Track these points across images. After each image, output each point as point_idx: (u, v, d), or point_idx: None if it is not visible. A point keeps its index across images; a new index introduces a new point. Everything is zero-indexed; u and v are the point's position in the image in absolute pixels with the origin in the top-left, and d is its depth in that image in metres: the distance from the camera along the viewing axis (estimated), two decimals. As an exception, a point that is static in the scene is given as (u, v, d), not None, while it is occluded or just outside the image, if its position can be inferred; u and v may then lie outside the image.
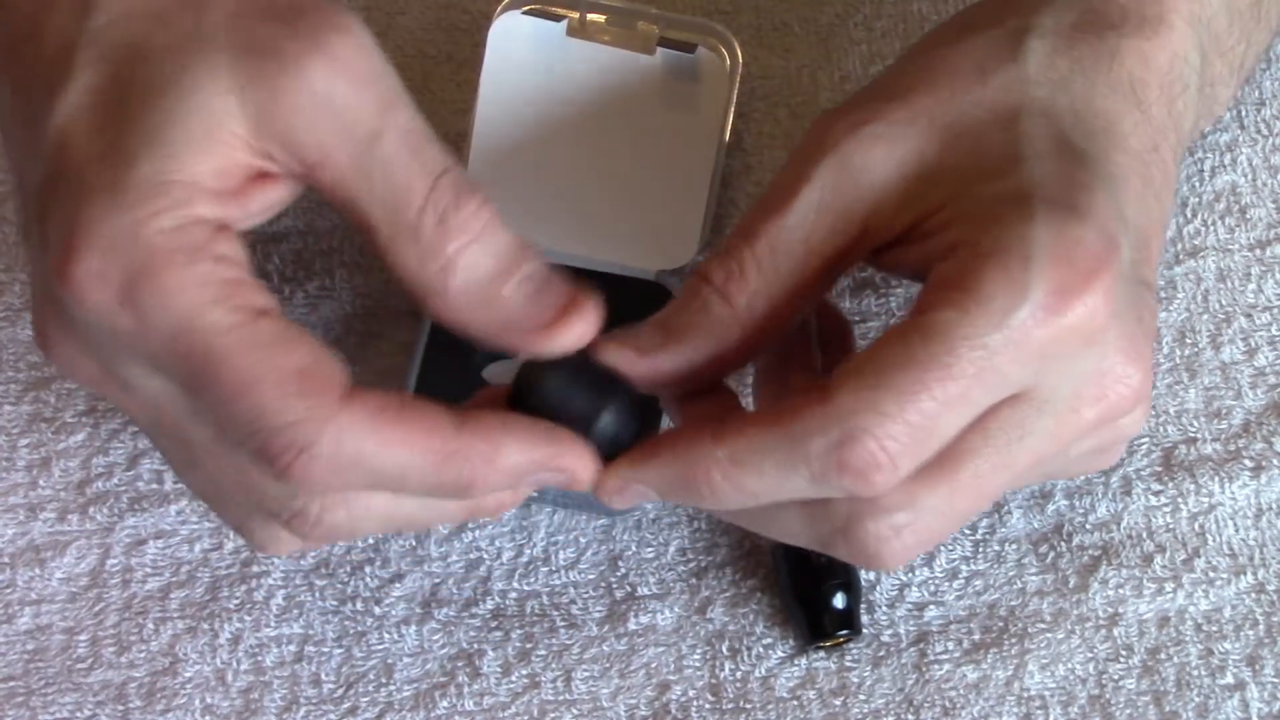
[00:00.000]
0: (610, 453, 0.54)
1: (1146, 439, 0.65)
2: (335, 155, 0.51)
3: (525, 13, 0.66)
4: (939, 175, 0.55)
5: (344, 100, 0.51)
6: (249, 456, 0.50)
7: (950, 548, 0.64)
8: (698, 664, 0.63)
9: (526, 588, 0.64)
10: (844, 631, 0.62)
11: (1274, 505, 0.64)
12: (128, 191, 0.49)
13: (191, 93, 0.50)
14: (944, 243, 0.53)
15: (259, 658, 0.63)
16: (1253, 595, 0.63)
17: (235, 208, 0.51)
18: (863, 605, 0.63)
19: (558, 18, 0.66)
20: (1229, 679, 0.62)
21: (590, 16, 0.66)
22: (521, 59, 0.66)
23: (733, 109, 0.66)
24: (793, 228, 0.55)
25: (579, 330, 0.53)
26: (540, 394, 0.54)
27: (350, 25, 0.51)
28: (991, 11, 0.58)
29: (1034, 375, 0.52)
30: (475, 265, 0.51)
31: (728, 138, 0.66)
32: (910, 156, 0.55)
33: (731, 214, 0.69)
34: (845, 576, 0.62)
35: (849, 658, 0.63)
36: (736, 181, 0.69)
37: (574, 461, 0.53)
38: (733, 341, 0.55)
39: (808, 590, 0.62)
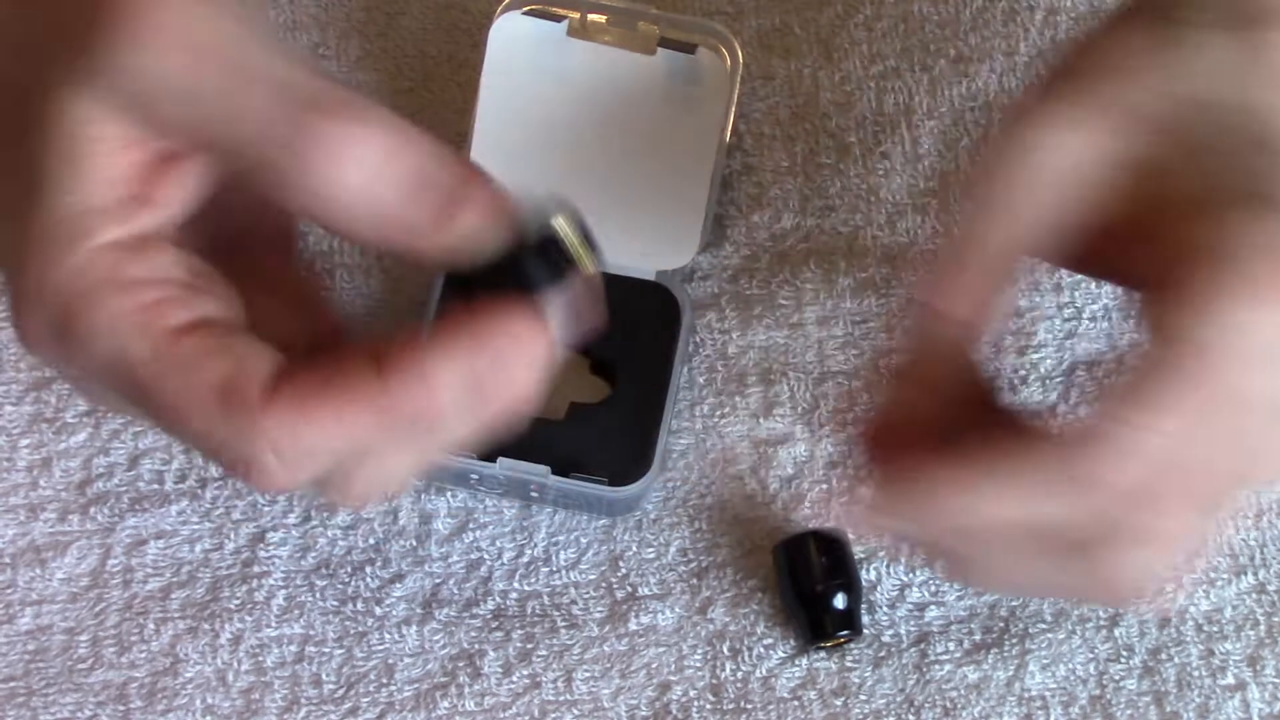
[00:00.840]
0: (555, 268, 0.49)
1: (1147, 439, 0.65)
2: (197, 117, 0.49)
3: (526, 13, 0.66)
4: (1140, 167, 0.52)
5: (177, 65, 0.48)
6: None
7: (951, 548, 0.64)
8: (698, 664, 0.63)
9: (527, 588, 0.64)
10: (845, 632, 0.62)
11: (1274, 505, 0.64)
12: (26, 246, 0.49)
13: (46, 121, 0.49)
14: (1167, 244, 0.51)
15: (260, 658, 0.63)
16: (1253, 595, 0.63)
17: (145, 212, 0.50)
18: (863, 605, 0.63)
19: (558, 18, 0.66)
20: (1230, 679, 0.62)
21: (591, 17, 0.66)
22: (522, 59, 0.66)
23: (733, 109, 0.66)
24: (1003, 233, 0.52)
25: (472, 221, 0.49)
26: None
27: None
28: (1138, 9, 0.55)
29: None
30: (350, 176, 0.48)
31: (728, 138, 0.66)
32: (1109, 146, 0.52)
33: (732, 214, 0.69)
34: (846, 577, 0.62)
35: (850, 658, 0.63)
36: (737, 182, 0.69)
37: (520, 332, 0.49)
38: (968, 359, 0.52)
39: (808, 591, 0.62)
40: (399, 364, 0.48)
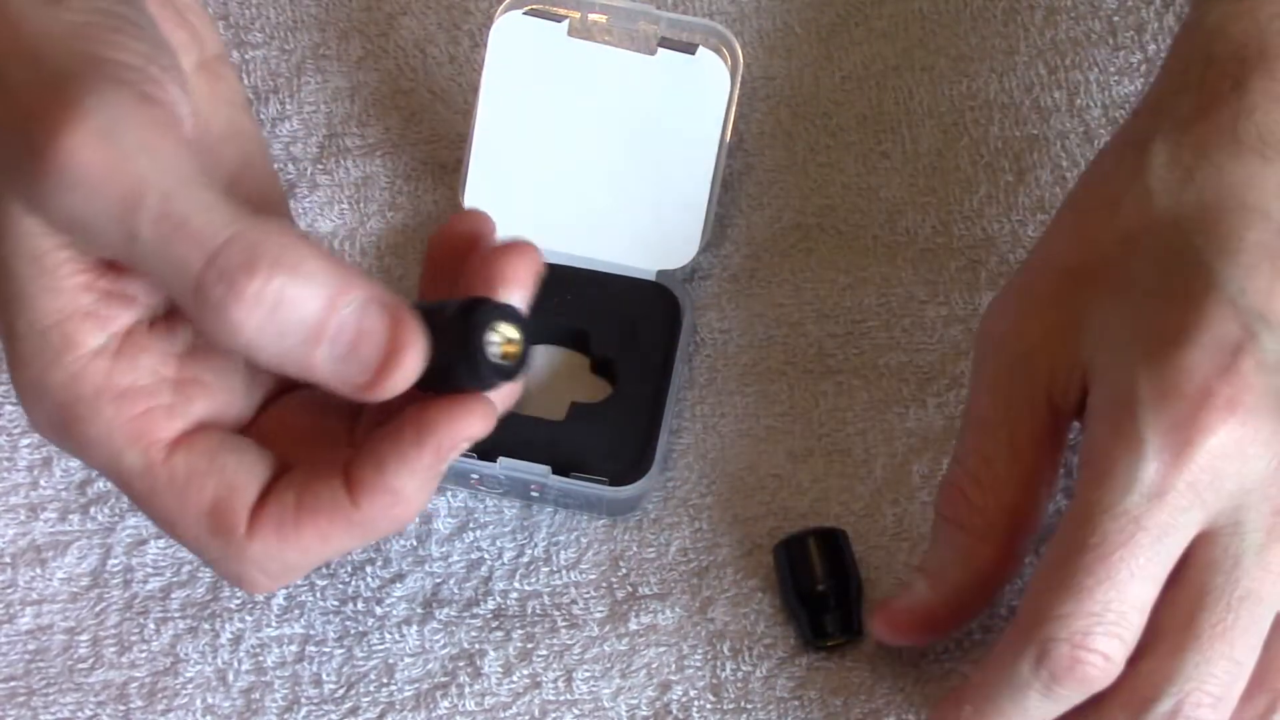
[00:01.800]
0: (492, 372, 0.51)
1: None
2: (114, 253, 0.49)
3: (526, 13, 0.66)
4: (1084, 328, 0.56)
5: (84, 211, 0.48)
6: None
7: (951, 548, 0.64)
8: (699, 664, 0.63)
9: (528, 587, 0.64)
10: (845, 633, 0.62)
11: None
12: (17, 352, 0.50)
13: (6, 229, 0.50)
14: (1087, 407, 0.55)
15: (260, 658, 0.63)
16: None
17: (123, 309, 0.51)
18: (864, 605, 0.63)
19: (559, 18, 0.66)
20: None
21: (591, 16, 0.66)
22: (523, 59, 0.66)
23: (734, 109, 0.66)
24: (989, 432, 0.57)
25: (402, 378, 0.50)
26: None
27: (76, 114, 0.48)
28: (1126, 127, 0.59)
29: (1204, 509, 0.53)
30: (279, 335, 0.48)
31: (728, 138, 0.66)
32: (1061, 319, 0.56)
33: (732, 214, 0.69)
34: (846, 576, 0.62)
35: (849, 658, 0.63)
36: (737, 182, 0.69)
37: (471, 429, 0.51)
38: (991, 559, 0.57)
39: (809, 591, 0.62)
40: (369, 487, 0.51)
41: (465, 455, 0.62)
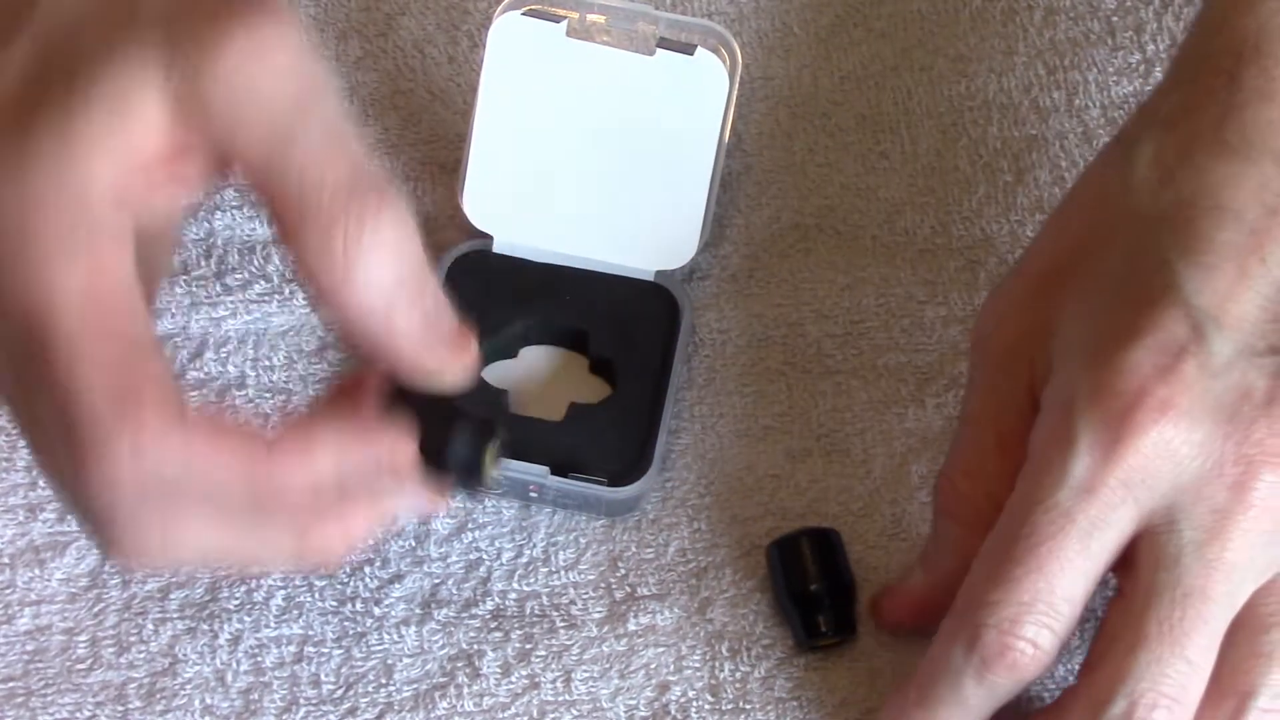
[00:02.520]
0: (464, 472, 0.53)
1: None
2: (253, 143, 0.48)
3: (525, 13, 0.66)
4: (1055, 325, 0.56)
5: (266, 87, 0.48)
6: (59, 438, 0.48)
7: (950, 548, 0.64)
8: (697, 664, 0.63)
9: (526, 588, 0.64)
10: (839, 633, 0.62)
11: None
12: (24, 173, 0.48)
13: (112, 74, 0.48)
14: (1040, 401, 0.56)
15: (258, 658, 0.63)
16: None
17: (146, 192, 0.49)
18: (861, 604, 0.63)
19: (557, 18, 0.66)
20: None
21: (590, 17, 0.66)
22: (521, 60, 0.66)
23: (733, 109, 0.66)
24: (979, 427, 0.59)
25: (460, 370, 0.51)
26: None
27: (280, 12, 0.48)
28: (1122, 125, 0.59)
29: (1138, 506, 0.53)
30: (381, 276, 0.48)
31: (728, 138, 0.66)
32: (1038, 317, 0.57)
33: (732, 214, 0.69)
34: (839, 577, 0.62)
35: (847, 658, 0.62)
36: (736, 182, 0.69)
37: (390, 445, 0.51)
38: (978, 548, 0.57)
39: (802, 591, 0.62)
40: (289, 435, 0.50)
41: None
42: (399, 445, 0.51)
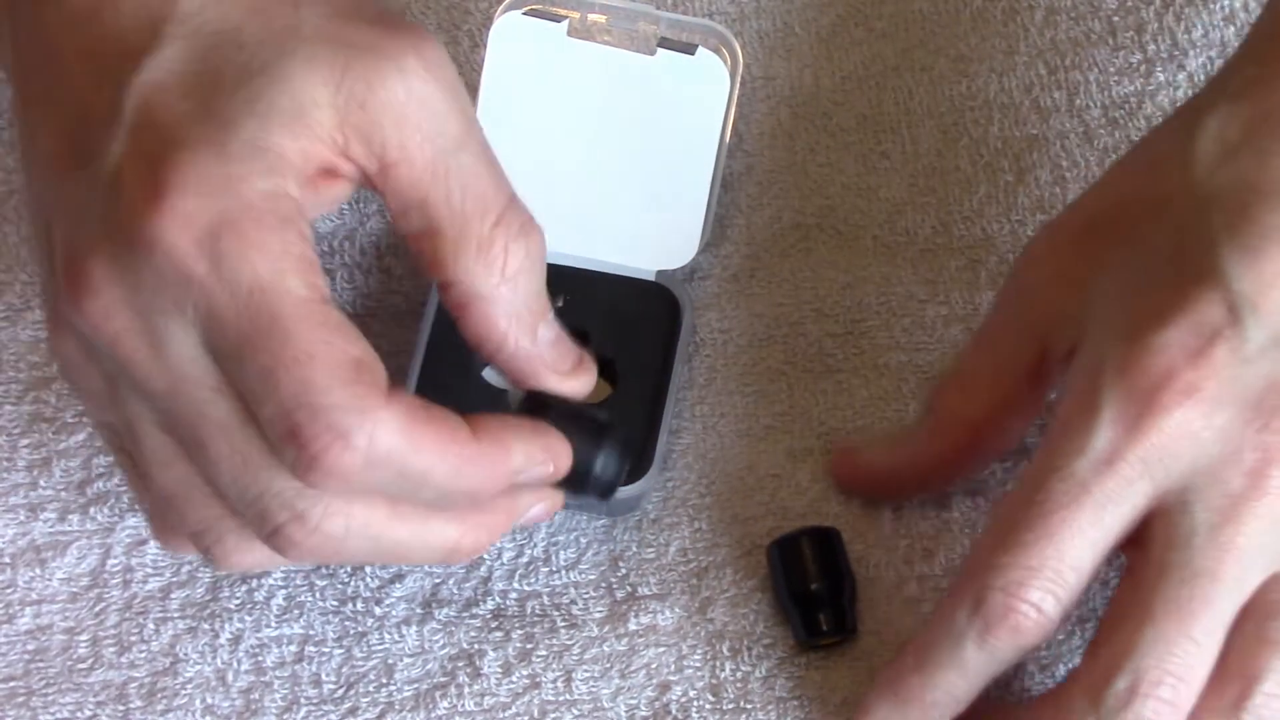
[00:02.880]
0: (604, 490, 0.57)
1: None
2: (418, 156, 0.52)
3: (526, 13, 0.66)
4: (1091, 282, 0.57)
5: (436, 104, 0.52)
6: (275, 438, 0.50)
7: (950, 546, 0.64)
8: (698, 664, 0.63)
9: (527, 588, 0.64)
10: (839, 631, 0.62)
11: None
12: (226, 146, 0.50)
13: (288, 76, 0.51)
14: (1071, 367, 0.56)
15: (259, 658, 0.63)
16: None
17: (309, 195, 0.52)
18: (862, 603, 0.63)
19: (558, 18, 0.66)
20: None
21: (591, 17, 0.66)
22: (522, 60, 0.66)
23: (733, 109, 0.66)
24: (985, 349, 0.60)
25: (587, 382, 0.57)
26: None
27: (435, 40, 0.52)
28: (1194, 96, 0.59)
29: (1154, 484, 0.53)
30: (526, 291, 0.54)
31: (728, 138, 0.66)
32: (1075, 264, 0.58)
33: (732, 214, 0.69)
34: (839, 576, 0.62)
35: (849, 657, 0.62)
36: (737, 182, 0.69)
37: (559, 453, 0.55)
38: (944, 449, 0.61)
39: (802, 590, 0.62)
40: (489, 426, 0.53)
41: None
42: (562, 451, 0.55)
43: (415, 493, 0.52)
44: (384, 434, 0.50)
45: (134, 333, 0.51)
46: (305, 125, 0.51)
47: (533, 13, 0.66)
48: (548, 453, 0.55)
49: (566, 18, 0.66)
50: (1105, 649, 0.54)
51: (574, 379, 0.56)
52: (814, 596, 0.62)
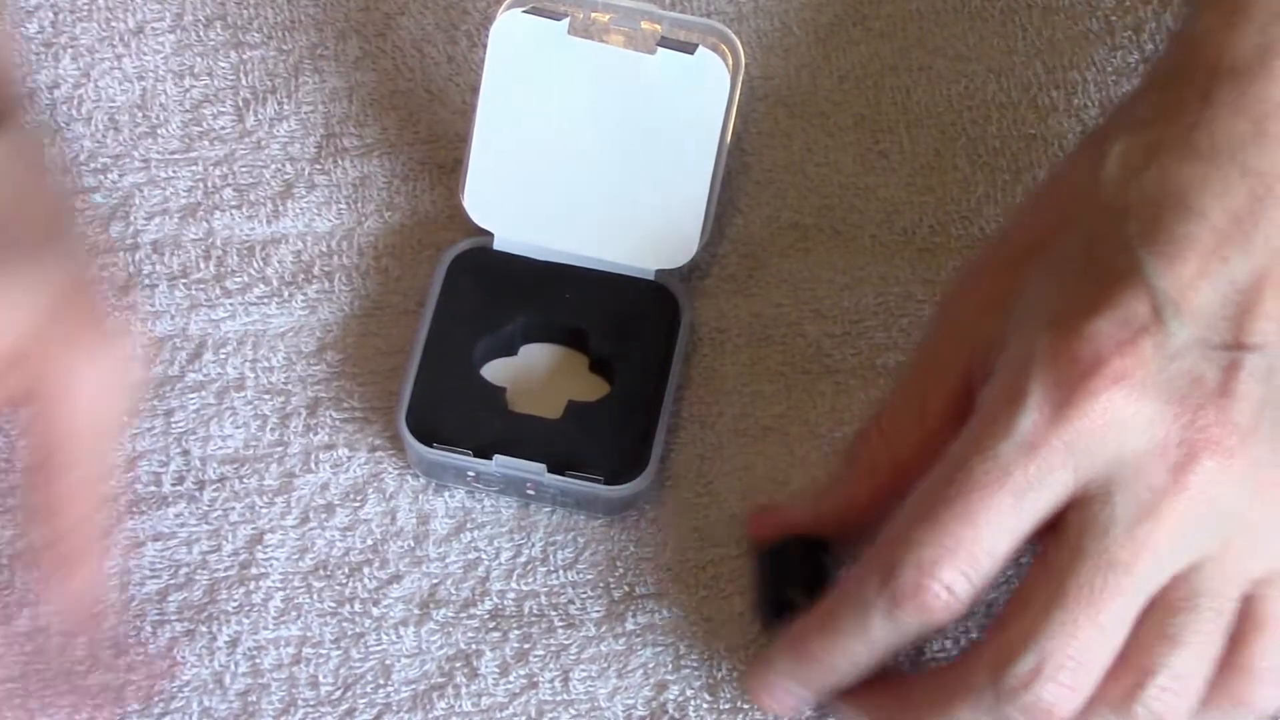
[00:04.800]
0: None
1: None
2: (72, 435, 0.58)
3: (526, 11, 0.66)
4: (1010, 305, 0.57)
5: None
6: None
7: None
8: (695, 663, 0.62)
9: (525, 588, 0.64)
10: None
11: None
12: None
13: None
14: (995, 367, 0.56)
15: (257, 660, 0.63)
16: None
17: None
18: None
19: (559, 16, 0.66)
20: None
21: (592, 15, 0.66)
22: (523, 58, 0.66)
23: (734, 109, 0.66)
24: (908, 389, 0.60)
25: None
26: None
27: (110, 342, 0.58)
28: (1098, 126, 0.60)
29: (1076, 472, 0.54)
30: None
31: (728, 138, 0.66)
32: (994, 294, 0.58)
33: (731, 214, 0.69)
34: (824, 584, 0.62)
35: (848, 658, 0.63)
36: (737, 181, 0.69)
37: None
38: (862, 498, 0.60)
39: (786, 600, 0.61)
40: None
41: (460, 452, 0.62)
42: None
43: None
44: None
45: None
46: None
47: (533, 11, 0.66)
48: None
49: (567, 16, 0.66)
50: (1012, 628, 0.55)
51: None
52: (794, 604, 0.61)
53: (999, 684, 0.54)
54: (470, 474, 0.64)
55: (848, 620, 0.56)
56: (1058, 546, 0.54)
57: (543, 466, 0.62)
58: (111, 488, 0.59)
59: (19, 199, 0.57)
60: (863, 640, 0.56)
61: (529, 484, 0.63)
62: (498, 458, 0.63)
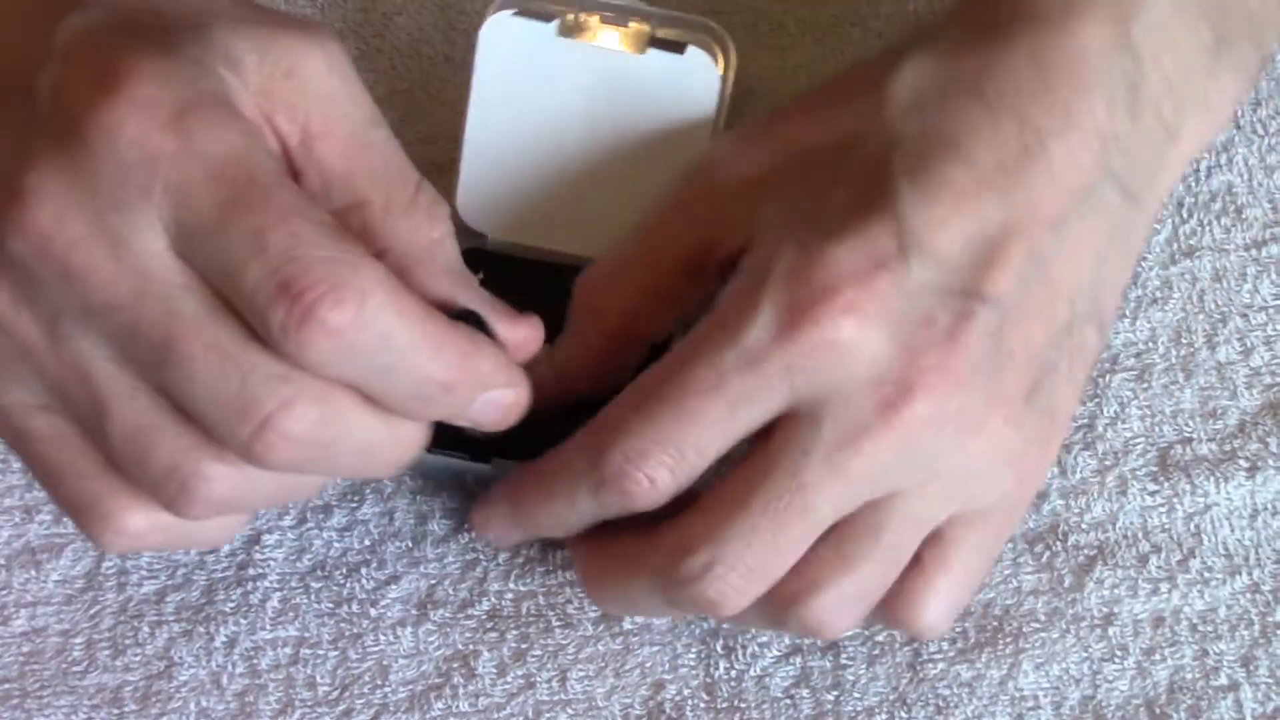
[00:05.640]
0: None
1: (1142, 439, 0.65)
2: (340, 129, 0.53)
3: (515, 14, 0.66)
4: (769, 197, 0.58)
5: (354, 84, 0.54)
6: (262, 305, 0.49)
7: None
8: (692, 663, 0.63)
9: (522, 588, 0.64)
10: None
11: (1269, 505, 0.64)
12: (172, 56, 0.51)
13: (216, 38, 0.52)
14: (738, 266, 0.57)
15: (254, 660, 0.63)
16: (1247, 596, 0.63)
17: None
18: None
19: (548, 18, 0.66)
20: (1223, 680, 0.62)
21: (581, 16, 0.66)
22: (512, 60, 0.66)
23: (725, 107, 0.66)
24: (644, 237, 0.61)
25: (533, 330, 0.57)
26: None
27: (339, 44, 0.55)
28: (905, 39, 0.60)
29: (792, 393, 0.54)
30: (455, 252, 0.55)
31: (721, 136, 0.66)
32: (754, 175, 0.58)
33: (726, 213, 0.69)
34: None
35: (844, 655, 0.62)
36: (731, 181, 0.69)
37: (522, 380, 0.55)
38: (611, 335, 0.60)
39: None
40: (461, 327, 0.54)
41: (458, 456, 0.62)
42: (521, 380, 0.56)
43: (391, 378, 0.52)
44: (376, 291, 0.50)
45: (89, 238, 0.50)
46: (238, 75, 0.52)
47: (522, 13, 0.66)
48: (515, 374, 0.55)
49: (556, 17, 0.66)
50: (697, 521, 0.56)
51: (521, 327, 0.56)
52: None
53: (672, 570, 0.56)
54: (468, 477, 0.64)
55: (557, 486, 0.58)
56: (758, 456, 0.55)
57: (538, 467, 0.63)
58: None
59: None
60: (568, 505, 0.58)
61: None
62: (495, 460, 0.63)
